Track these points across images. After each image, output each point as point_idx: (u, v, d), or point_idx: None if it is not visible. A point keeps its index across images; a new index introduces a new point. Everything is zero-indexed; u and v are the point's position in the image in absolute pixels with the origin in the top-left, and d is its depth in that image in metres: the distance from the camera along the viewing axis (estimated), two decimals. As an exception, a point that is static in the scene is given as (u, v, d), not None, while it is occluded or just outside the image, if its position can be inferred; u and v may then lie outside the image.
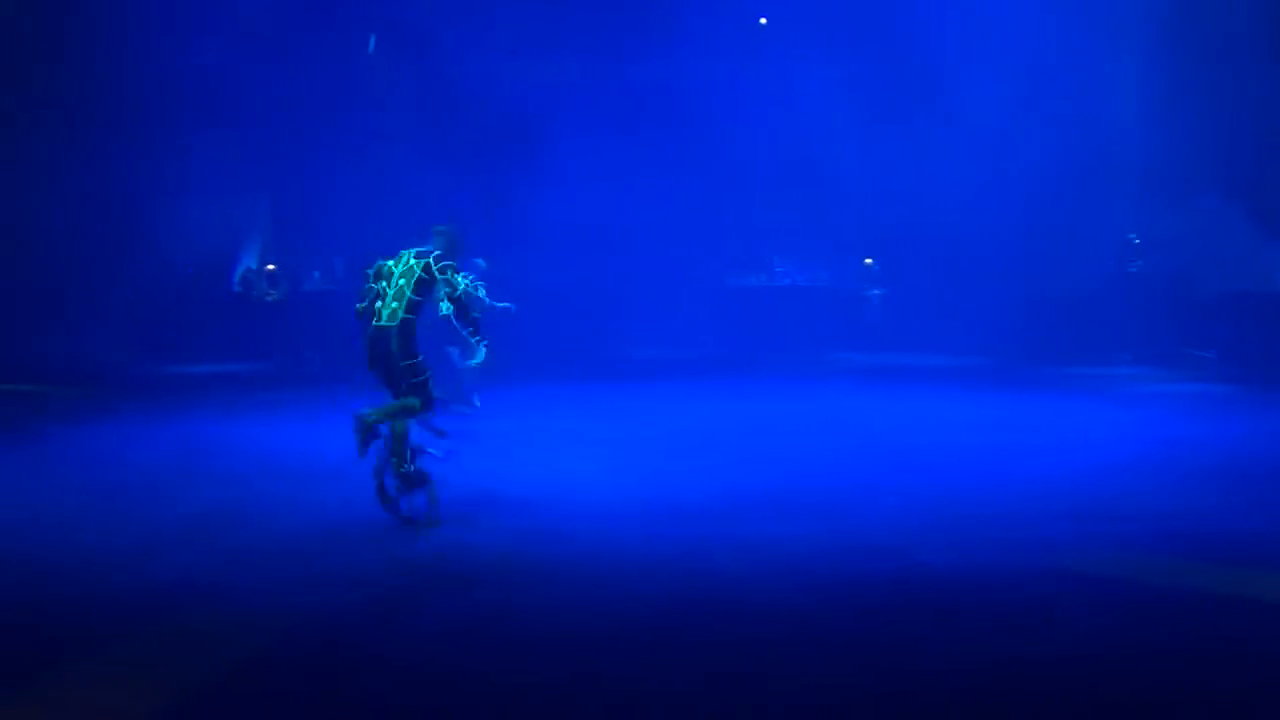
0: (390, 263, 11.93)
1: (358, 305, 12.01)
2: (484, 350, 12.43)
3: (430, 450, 12.58)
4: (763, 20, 31.31)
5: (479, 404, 18.30)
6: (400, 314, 11.62)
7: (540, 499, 12.96)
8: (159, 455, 16.08)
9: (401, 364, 11.65)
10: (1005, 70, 28.15)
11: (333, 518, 12.25)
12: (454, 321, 12.06)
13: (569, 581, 9.96)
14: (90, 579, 10.12)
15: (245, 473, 14.62)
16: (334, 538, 11.50)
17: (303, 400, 20.97)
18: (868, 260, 31.27)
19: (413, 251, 11.95)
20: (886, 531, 11.40)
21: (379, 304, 11.75)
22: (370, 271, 11.98)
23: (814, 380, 23.45)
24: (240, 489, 13.70)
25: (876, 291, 30.90)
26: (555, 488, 13.53)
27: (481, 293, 17.45)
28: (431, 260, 11.81)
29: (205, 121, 27.80)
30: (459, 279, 11.91)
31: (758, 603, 9.29)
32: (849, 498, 12.90)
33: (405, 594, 9.73)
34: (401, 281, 11.73)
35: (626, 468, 14.72)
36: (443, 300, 11.87)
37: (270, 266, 30.91)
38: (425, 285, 11.74)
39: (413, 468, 11.93)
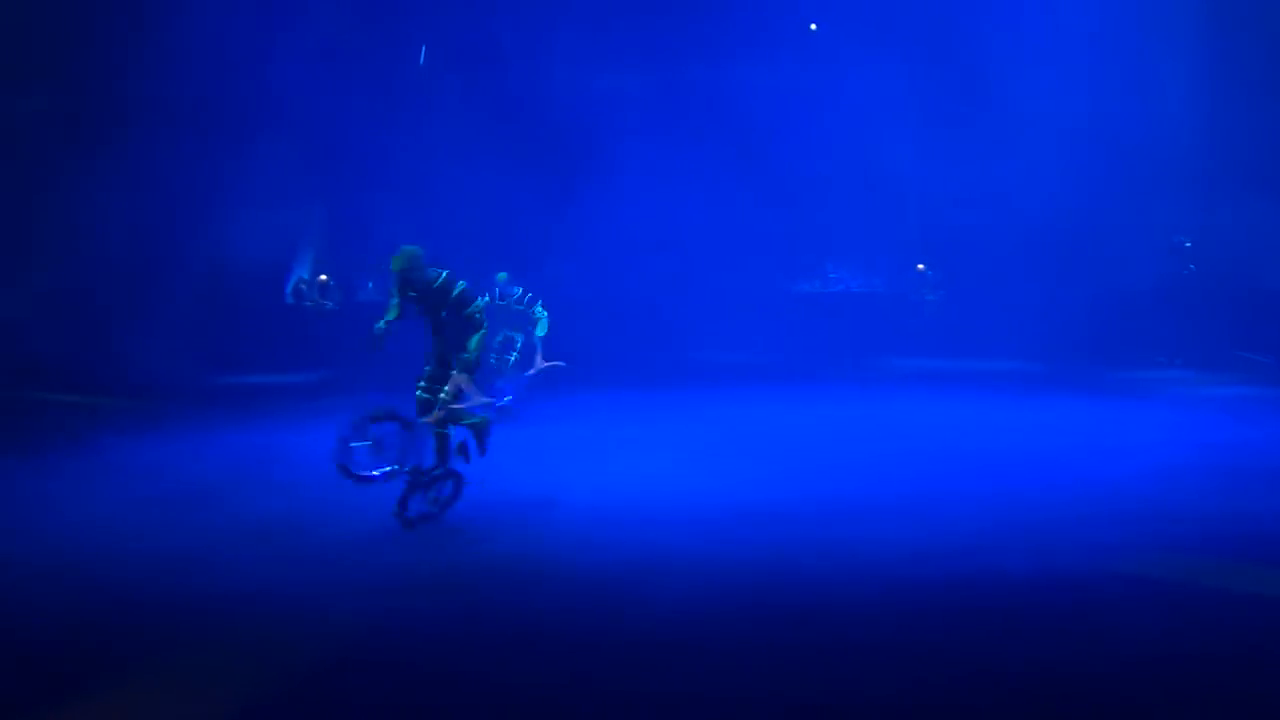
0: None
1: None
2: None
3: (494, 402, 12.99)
4: (813, 26, 31.27)
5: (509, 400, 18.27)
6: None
7: (610, 505, 13.01)
8: (213, 465, 16.18)
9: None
10: (1058, 74, 28.07)
11: (387, 525, 12.30)
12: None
13: (648, 587, 9.98)
14: (145, 588, 10.20)
15: (299, 481, 14.66)
16: (389, 545, 11.59)
17: (355, 409, 21.01)
18: (920, 266, 31.19)
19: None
20: (956, 535, 11.44)
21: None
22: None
23: (872, 385, 23.41)
24: (294, 498, 13.78)
25: (930, 296, 30.80)
26: (625, 494, 13.59)
27: (536, 307, 17.89)
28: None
29: (260, 132, 27.93)
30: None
31: (840, 605, 9.35)
32: (918, 502, 12.94)
33: (467, 601, 9.76)
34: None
35: (698, 473, 14.75)
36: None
37: (323, 277, 31.07)
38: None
39: (443, 469, 12.51)
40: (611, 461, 15.60)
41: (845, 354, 27.52)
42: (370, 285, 31.55)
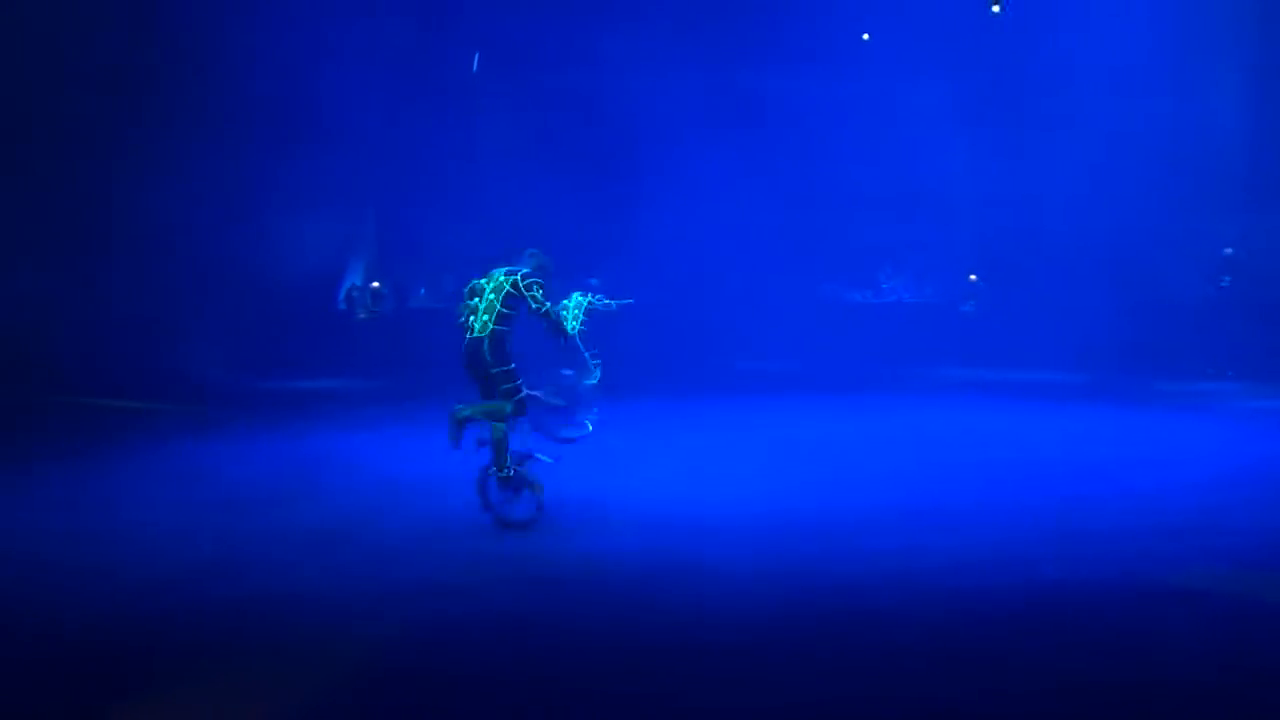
0: (482, 280, 12.74)
1: (459, 320, 12.78)
2: (598, 371, 13.06)
3: (539, 456, 13.10)
4: (865, 36, 31.28)
5: (591, 427, 18.29)
6: (490, 326, 12.46)
7: (655, 513, 13.07)
8: (266, 470, 16.27)
9: (493, 370, 12.49)
10: (1106, 84, 28.03)
11: (442, 530, 12.44)
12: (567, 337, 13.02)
13: (690, 595, 10.06)
14: (199, 593, 10.31)
15: (353, 487, 14.82)
16: (443, 550, 11.69)
17: (409, 415, 21.16)
18: (972, 276, 31.15)
19: (503, 270, 12.74)
20: (1000, 546, 11.47)
21: (472, 318, 12.57)
22: (465, 289, 12.85)
23: (921, 395, 23.37)
24: (348, 503, 13.90)
25: (965, 307, 30.72)
26: (670, 501, 13.65)
27: (609, 303, 17.95)
28: (519, 278, 12.60)
29: (314, 138, 28.11)
30: (541, 294, 12.59)
31: (882, 615, 9.40)
32: (961, 512, 12.96)
33: (521, 606, 9.85)
34: (491, 296, 12.56)
35: (742, 481, 14.78)
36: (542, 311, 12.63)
37: (375, 284, 31.26)
38: (513, 300, 12.56)
39: (513, 472, 12.59)
40: (657, 469, 15.65)
41: (893, 364, 27.49)
42: (422, 292, 31.71)
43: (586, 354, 17.80)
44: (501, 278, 12.63)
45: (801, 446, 17.52)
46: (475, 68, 31.12)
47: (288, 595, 10.21)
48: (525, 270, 12.75)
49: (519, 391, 12.58)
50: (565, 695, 7.92)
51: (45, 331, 24.90)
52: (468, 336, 12.58)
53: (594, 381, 14.05)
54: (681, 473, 15.44)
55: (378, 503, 13.78)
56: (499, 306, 12.49)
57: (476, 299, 12.64)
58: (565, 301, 17.82)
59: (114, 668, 8.53)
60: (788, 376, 26.32)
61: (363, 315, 30.47)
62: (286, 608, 9.86)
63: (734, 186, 29.21)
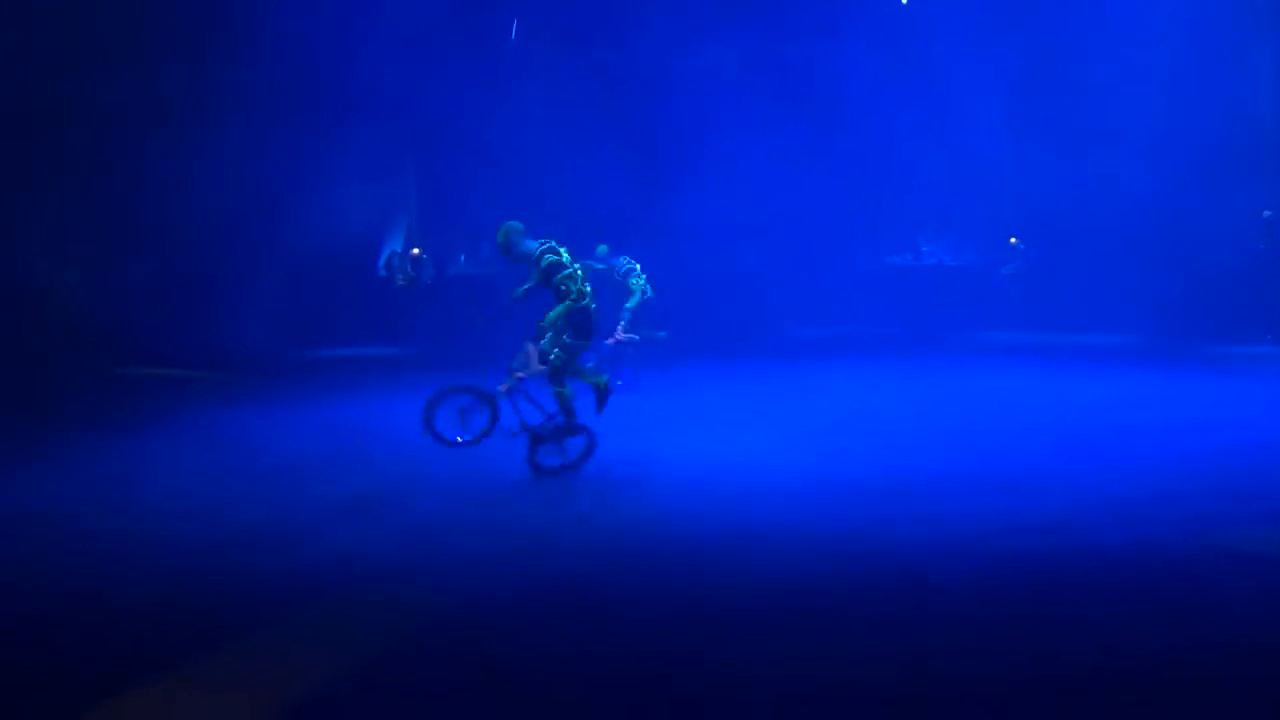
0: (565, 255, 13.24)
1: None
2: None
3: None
4: (904, 0, 31.07)
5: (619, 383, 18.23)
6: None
7: (707, 477, 13.00)
8: (310, 439, 16.34)
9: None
10: (1151, 47, 27.78)
11: (476, 498, 12.45)
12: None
13: (746, 560, 9.96)
14: (244, 561, 10.30)
15: (397, 455, 14.79)
16: (480, 519, 11.67)
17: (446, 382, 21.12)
18: (1013, 239, 30.95)
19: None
20: (1059, 509, 11.34)
21: (587, 286, 13.23)
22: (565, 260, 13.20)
23: (965, 358, 23.26)
24: (393, 471, 13.87)
25: (1010, 268, 30.51)
26: (722, 466, 13.57)
27: (638, 280, 18.03)
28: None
29: (354, 107, 28.08)
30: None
31: (941, 579, 9.28)
32: (1019, 476, 12.83)
33: (557, 573, 9.76)
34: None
35: (793, 446, 14.70)
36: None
37: (415, 251, 31.22)
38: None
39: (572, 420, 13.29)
40: (707, 433, 15.59)
41: (938, 327, 27.34)
42: (462, 259, 31.68)
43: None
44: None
45: (851, 411, 17.42)
46: (514, 35, 30.99)
47: (334, 563, 10.17)
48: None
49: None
50: (615, 661, 7.83)
51: (95, 303, 24.97)
52: (592, 306, 13.24)
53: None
54: (733, 437, 15.36)
55: (422, 470, 13.74)
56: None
57: (576, 267, 13.19)
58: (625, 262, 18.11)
59: (166, 633, 8.50)
60: (835, 341, 26.24)
61: (402, 282, 30.44)
62: (332, 577, 9.82)
63: (781, 154, 29.07)
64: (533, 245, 13.16)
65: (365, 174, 30.39)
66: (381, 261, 31.89)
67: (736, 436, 15.38)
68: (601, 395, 13.59)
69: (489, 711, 7.14)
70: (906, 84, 30.28)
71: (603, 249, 19.45)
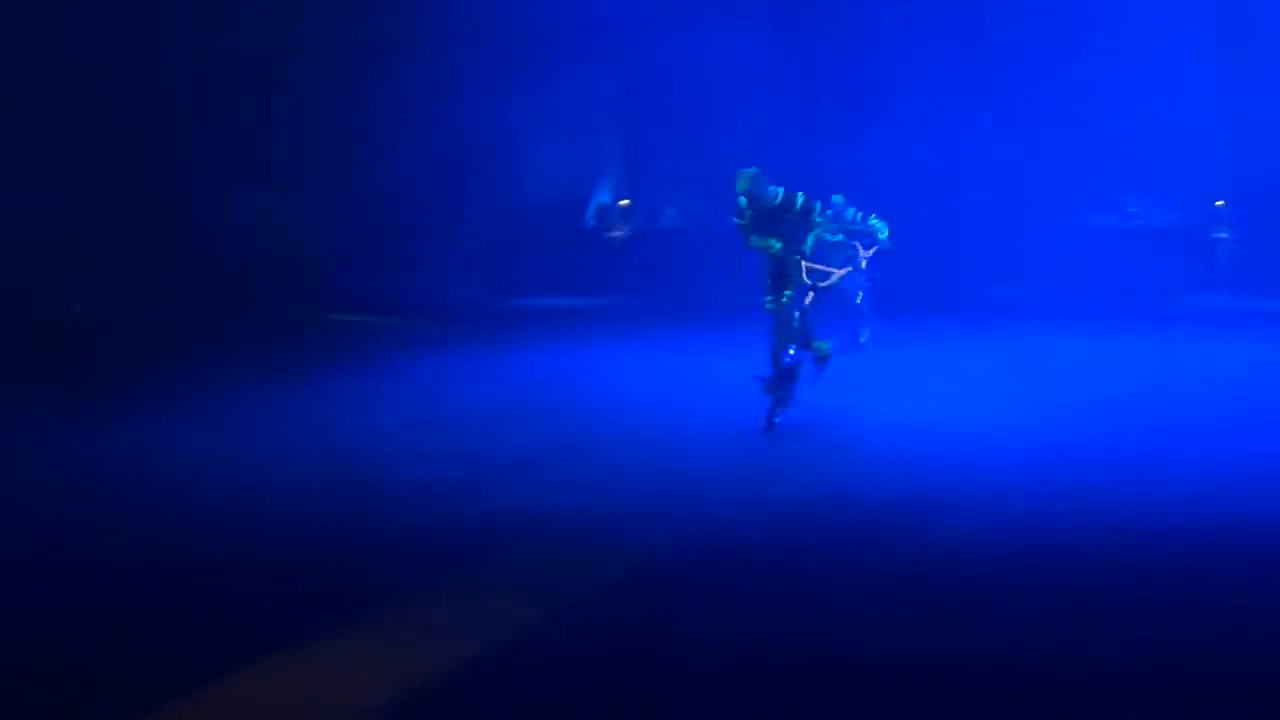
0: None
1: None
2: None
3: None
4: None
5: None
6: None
7: (915, 443, 12.63)
8: (510, 387, 16.42)
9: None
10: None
11: (672, 449, 12.34)
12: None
13: (950, 524, 9.68)
14: (435, 509, 10.30)
15: (594, 407, 14.77)
16: (674, 471, 11.54)
17: (659, 332, 21.10)
18: (1219, 202, 29.93)
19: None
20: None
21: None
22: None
23: (1181, 323, 22.45)
24: (589, 421, 13.83)
25: (1224, 233, 29.51)
26: (926, 429, 13.23)
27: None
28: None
29: (561, 58, 28.06)
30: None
31: (1144, 556, 8.80)
32: (1228, 455, 11.97)
33: (759, 530, 9.57)
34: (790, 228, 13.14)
35: (997, 411, 14.16)
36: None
37: (624, 202, 31.17)
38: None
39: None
40: (912, 395, 15.18)
41: (1147, 290, 26.46)
42: (671, 211, 31.53)
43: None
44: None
45: (1052, 375, 16.74)
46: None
47: (526, 512, 10.14)
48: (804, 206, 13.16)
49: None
50: (798, 625, 7.56)
51: (303, 249, 25.36)
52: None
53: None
54: (933, 399, 14.89)
55: (619, 421, 13.64)
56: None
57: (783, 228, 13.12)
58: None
59: (355, 578, 8.53)
60: (1041, 301, 25.55)
61: (611, 234, 30.41)
62: (523, 525, 9.78)
63: (988, 111, 28.42)
64: (775, 191, 13.12)
65: (575, 123, 30.37)
66: (590, 212, 31.90)
67: (936, 399, 14.89)
68: (823, 362, 13.50)
69: (670, 670, 6.97)
70: (1117, 41, 29.40)
71: (838, 199, 18.94)
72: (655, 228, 30.95)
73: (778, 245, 13.03)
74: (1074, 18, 29.05)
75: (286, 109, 26.51)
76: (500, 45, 27.89)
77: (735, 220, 13.26)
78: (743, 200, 13.10)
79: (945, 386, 15.72)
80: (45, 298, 20.17)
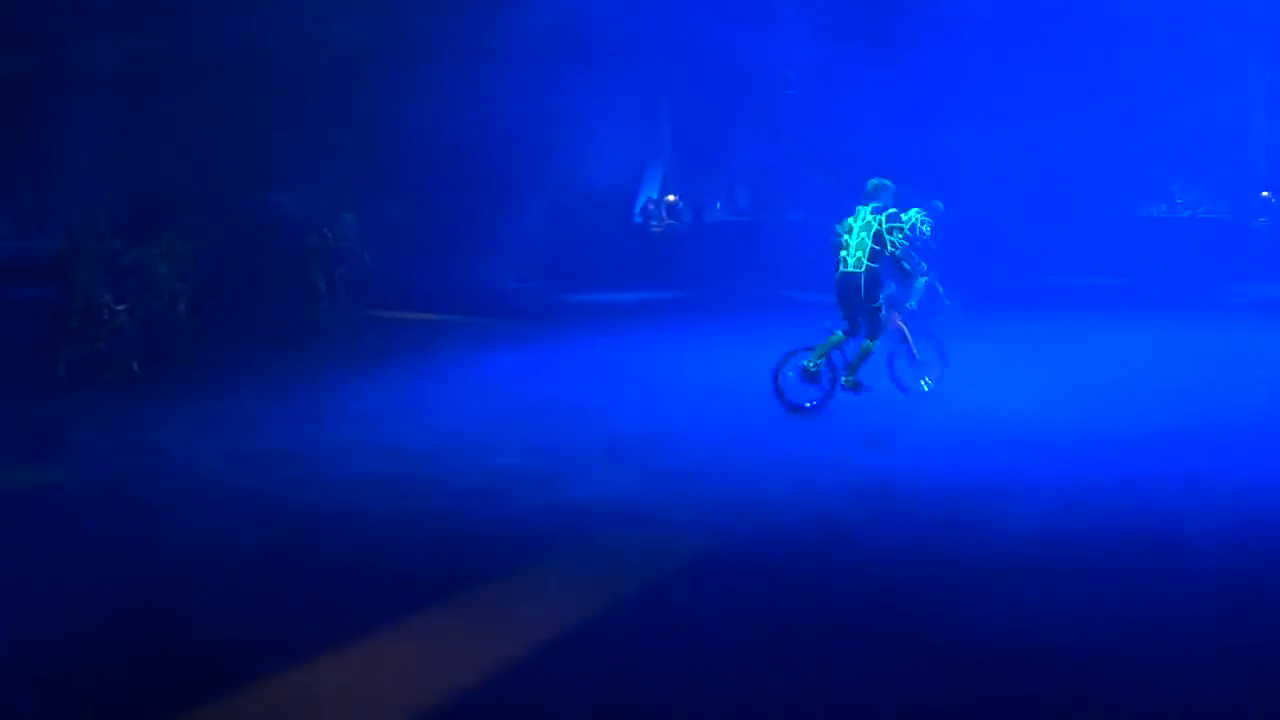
0: (851, 219, 13.49)
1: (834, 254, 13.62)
2: (917, 289, 14.93)
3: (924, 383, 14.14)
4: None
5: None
6: (865, 263, 13.28)
7: (974, 429, 12.69)
8: (567, 381, 16.50)
9: (867, 306, 13.35)
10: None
11: (739, 440, 12.41)
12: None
13: (1007, 509, 9.77)
14: (508, 500, 10.40)
15: (661, 398, 14.89)
16: (743, 462, 11.60)
17: (706, 328, 21.17)
18: (1265, 193, 29.87)
19: (870, 207, 13.45)
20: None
21: (844, 253, 13.41)
22: (839, 227, 13.58)
23: (1224, 314, 22.32)
24: (657, 413, 13.92)
25: (1261, 220, 29.42)
26: (977, 413, 13.33)
27: (926, 229, 17.55)
28: (885, 217, 13.39)
29: (610, 55, 28.17)
30: (900, 238, 13.44)
31: (1198, 538, 8.91)
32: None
33: (830, 516, 9.70)
34: (862, 234, 13.35)
35: (1050, 396, 14.27)
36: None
37: (671, 198, 31.32)
38: (881, 238, 13.31)
39: (856, 379, 13.49)
40: (964, 382, 15.24)
41: (1193, 280, 26.40)
42: (718, 205, 31.71)
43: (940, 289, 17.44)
44: (869, 216, 13.37)
45: (1105, 363, 16.78)
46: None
47: (599, 502, 10.25)
48: (891, 210, 13.48)
49: (883, 323, 13.50)
50: (867, 614, 7.71)
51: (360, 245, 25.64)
52: (840, 270, 13.39)
53: (912, 303, 14.45)
54: (984, 385, 14.89)
55: (687, 414, 13.77)
56: (870, 244, 13.29)
57: (847, 235, 13.40)
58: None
59: (431, 570, 8.67)
60: (1093, 291, 25.50)
61: (658, 228, 30.59)
62: (598, 516, 9.88)
63: (1042, 106, 28.44)
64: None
65: (622, 119, 30.48)
66: (638, 208, 32.07)
67: (987, 385, 14.89)
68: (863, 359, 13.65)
69: (741, 654, 7.10)
70: (1166, 33, 29.35)
71: (940, 206, 18.87)
72: (703, 222, 31.12)
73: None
74: (1123, 12, 29.06)
75: (341, 104, 26.81)
76: (548, 39, 28.06)
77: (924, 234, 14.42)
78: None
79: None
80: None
